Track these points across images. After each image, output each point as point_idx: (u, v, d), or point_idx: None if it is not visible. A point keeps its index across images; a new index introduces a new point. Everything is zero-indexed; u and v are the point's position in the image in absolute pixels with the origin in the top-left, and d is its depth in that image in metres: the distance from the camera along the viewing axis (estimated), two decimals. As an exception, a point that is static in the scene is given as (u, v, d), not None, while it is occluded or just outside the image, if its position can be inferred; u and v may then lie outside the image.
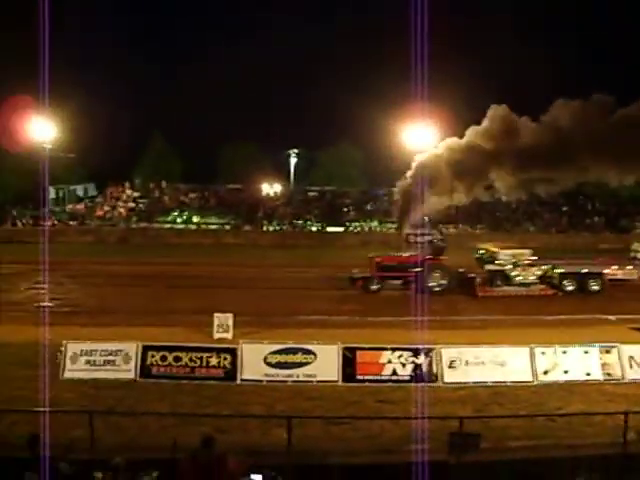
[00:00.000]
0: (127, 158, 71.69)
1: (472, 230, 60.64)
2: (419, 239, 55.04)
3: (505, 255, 34.39)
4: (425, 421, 14.86)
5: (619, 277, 34.73)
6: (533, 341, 19.62)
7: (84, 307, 28.76)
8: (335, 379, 18.29)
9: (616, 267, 34.78)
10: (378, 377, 18.34)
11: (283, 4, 79.02)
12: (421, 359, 18.45)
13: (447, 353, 18.62)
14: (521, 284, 34.02)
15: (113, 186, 70.08)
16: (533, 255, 34.63)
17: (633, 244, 38.16)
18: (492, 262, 34.54)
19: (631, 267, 35.07)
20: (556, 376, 18.60)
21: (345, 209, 64.59)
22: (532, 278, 34.18)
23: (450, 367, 18.45)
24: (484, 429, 13.38)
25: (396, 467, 11.74)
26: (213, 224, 62.93)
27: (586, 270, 34.31)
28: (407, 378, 18.31)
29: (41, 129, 46.37)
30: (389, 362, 18.45)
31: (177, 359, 18.59)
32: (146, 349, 18.78)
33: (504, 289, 33.73)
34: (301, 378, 18.38)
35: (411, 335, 22.20)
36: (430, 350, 18.58)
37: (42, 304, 27.99)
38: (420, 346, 18.74)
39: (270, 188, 69.02)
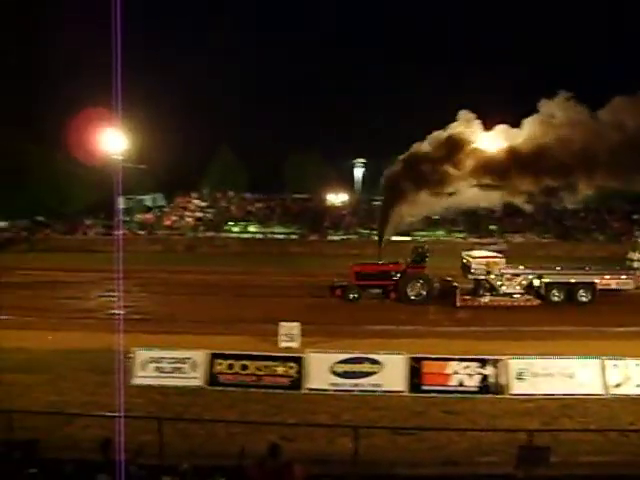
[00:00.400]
0: (195, 169, 72.90)
1: (539, 239, 59.59)
2: (485, 248, 54.59)
3: (478, 264, 33.41)
4: (493, 433, 14.77)
5: (612, 287, 33.36)
6: (601, 353, 19.12)
7: (153, 315, 29.22)
8: (401, 389, 18.22)
9: (609, 277, 33.41)
10: (444, 388, 18.19)
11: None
12: (488, 370, 18.23)
13: (515, 364, 18.31)
14: (506, 294, 32.99)
15: (181, 196, 71.24)
16: (519, 264, 33.72)
17: (629, 252, 35.98)
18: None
19: (625, 276, 33.60)
20: (628, 390, 18.12)
21: (411, 219, 64.30)
22: (518, 288, 33.12)
23: (518, 378, 18.17)
24: (553, 443, 13.03)
25: (463, 479, 11.64)
26: (279, 233, 63.28)
27: (574, 280, 33.15)
28: (474, 389, 18.13)
29: (113, 141, 47.40)
30: (455, 373, 18.29)
31: (244, 367, 18.78)
32: (214, 357, 19.02)
33: (487, 299, 32.71)
34: (367, 388, 18.35)
35: (477, 345, 22.10)
36: (497, 361, 18.34)
37: (113, 312, 28.60)
38: (487, 357, 18.56)
39: (336, 198, 69.18)
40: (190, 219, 66.50)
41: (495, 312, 29.84)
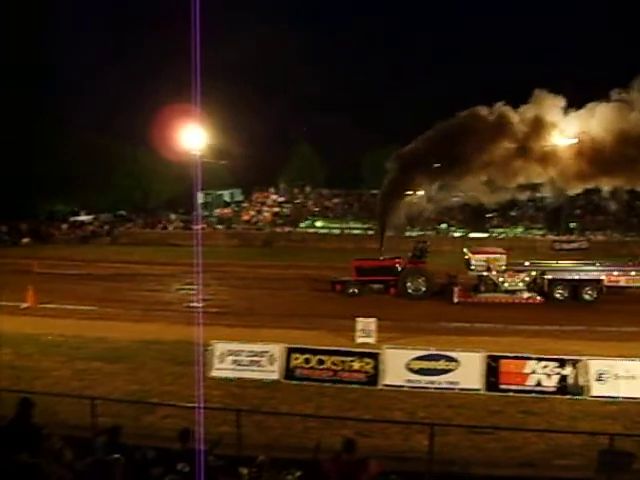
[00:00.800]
0: (273, 164, 73.54)
1: (621, 237, 57.93)
2: (565, 246, 53.43)
3: (477, 261, 32.56)
4: (571, 436, 14.48)
5: (621, 284, 31.87)
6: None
7: (231, 308, 29.64)
8: (478, 387, 18.02)
9: (617, 273, 31.94)
10: (522, 387, 17.90)
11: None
12: (567, 370, 17.86)
13: (595, 365, 17.83)
14: (507, 291, 32.09)
15: (259, 191, 72.04)
16: (518, 260, 33.25)
17: None
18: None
19: (635, 273, 31.99)
20: None
21: (489, 215, 63.35)
22: (520, 285, 32.16)
23: (598, 380, 17.71)
24: (636, 449, 12.67)
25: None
26: (356, 229, 63.25)
27: (579, 277, 31.93)
28: (552, 390, 17.77)
29: (193, 137, 48.21)
30: (533, 372, 17.96)
31: (320, 362, 18.87)
32: (291, 351, 19.17)
33: (489, 295, 31.91)
34: (443, 385, 18.21)
35: (556, 345, 21.68)
36: (577, 361, 17.96)
37: (192, 304, 29.12)
38: (566, 357, 18.21)
39: (413, 193, 68.68)
40: (268, 214, 67.13)
41: (572, 311, 29.11)
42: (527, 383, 17.91)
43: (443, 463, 12.97)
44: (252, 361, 19.26)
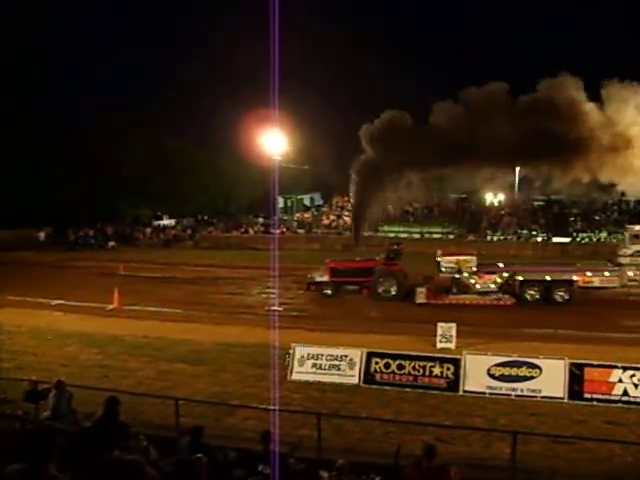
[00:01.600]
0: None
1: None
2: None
3: (447, 262, 32.09)
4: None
5: (595, 285, 30.91)
6: None
7: (311, 312, 29.78)
8: (561, 396, 17.65)
9: (590, 274, 30.94)
10: (607, 397, 17.46)
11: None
12: (656, 380, 17.36)
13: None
14: (479, 292, 31.35)
15: (338, 196, 72.18)
16: (489, 262, 32.78)
17: (621, 249, 32.76)
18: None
19: (608, 273, 31.03)
20: None
21: (572, 219, 62.03)
22: (492, 286, 31.38)
23: (688, 391, 17.19)
24: None
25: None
26: (437, 233, 62.80)
27: (550, 277, 30.94)
28: (640, 400, 17.32)
29: (275, 142, 48.73)
30: (620, 381, 17.51)
31: (400, 367, 18.81)
32: (370, 356, 19.18)
33: (460, 297, 31.24)
34: (525, 393, 17.92)
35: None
36: (666, 371, 17.43)
37: (272, 308, 29.39)
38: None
39: (494, 197, 67.83)
40: (347, 218, 67.22)
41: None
42: (613, 392, 17.46)
43: (525, 472, 12.77)
44: (332, 365, 19.33)
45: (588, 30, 73.68)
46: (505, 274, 31.99)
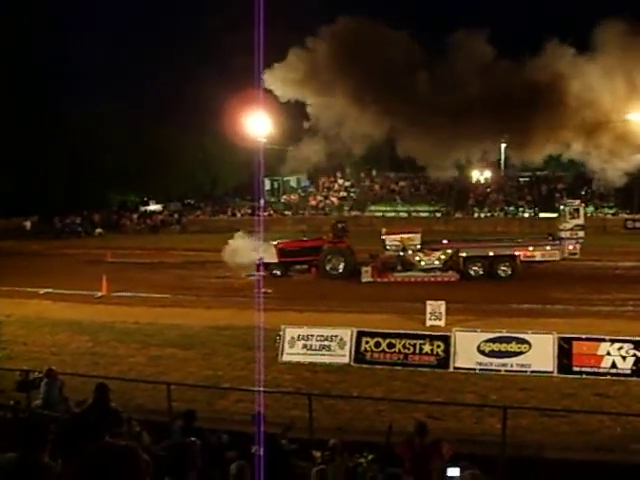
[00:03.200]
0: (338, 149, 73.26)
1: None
2: (638, 224, 52.24)
3: (391, 240, 32.56)
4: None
5: (537, 259, 31.76)
6: None
7: (301, 293, 29.78)
8: (550, 370, 17.75)
9: (532, 248, 31.71)
10: (596, 369, 17.58)
11: None
12: (644, 352, 17.49)
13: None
14: (424, 270, 31.91)
15: (325, 176, 72.06)
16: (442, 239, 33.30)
17: (562, 223, 33.06)
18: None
19: (550, 247, 31.87)
20: None
21: (558, 194, 62.25)
22: (437, 263, 31.97)
23: (676, 362, 17.33)
24: None
25: (618, 467, 11.25)
26: (424, 211, 62.89)
27: (492, 253, 31.51)
28: (628, 372, 17.39)
29: (259, 123, 48.49)
30: (608, 354, 17.62)
31: (391, 345, 18.86)
32: (360, 335, 19.22)
33: (405, 274, 31.83)
34: (515, 368, 18.01)
35: (630, 326, 21.18)
36: (653, 342, 17.55)
37: (262, 290, 29.37)
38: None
39: (480, 175, 67.95)
40: (335, 199, 67.24)
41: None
42: (601, 365, 17.58)
43: (516, 446, 12.89)
44: (322, 345, 19.37)
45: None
46: (449, 251, 32.55)
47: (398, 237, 32.92)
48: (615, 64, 31.98)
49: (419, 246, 32.63)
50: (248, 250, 33.63)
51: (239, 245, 34.30)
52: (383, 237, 33.43)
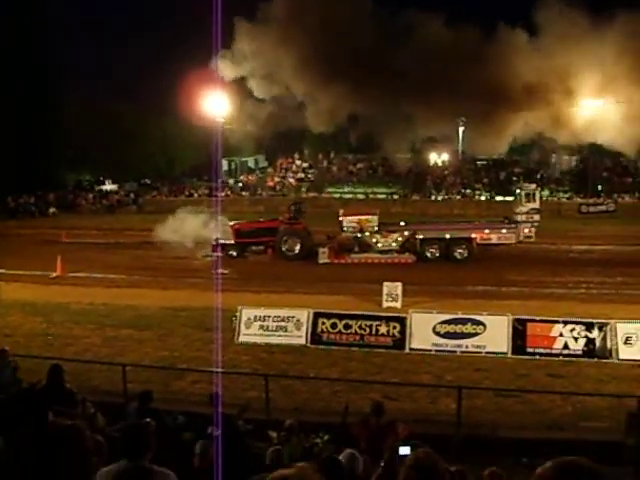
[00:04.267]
0: (295, 130, 73.12)
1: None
2: (592, 209, 53.14)
3: (349, 222, 32.90)
4: (599, 398, 14.49)
5: (493, 242, 32.43)
6: None
7: (257, 274, 29.74)
8: (504, 351, 18.00)
9: (488, 231, 32.35)
10: (549, 350, 17.87)
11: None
12: (594, 333, 17.78)
13: (623, 328, 17.73)
14: (381, 251, 32.36)
15: (283, 157, 71.86)
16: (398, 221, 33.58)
17: (517, 207, 33.76)
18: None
19: (506, 230, 32.55)
20: None
21: (515, 178, 62.90)
22: (394, 245, 32.44)
23: (626, 343, 17.64)
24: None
25: (568, 444, 11.47)
26: (381, 193, 63.08)
27: (449, 235, 32.12)
28: (579, 353, 17.72)
29: (217, 103, 48.05)
30: (561, 335, 17.92)
31: (347, 327, 18.93)
32: (317, 316, 19.26)
33: (362, 256, 32.26)
34: (470, 349, 18.23)
35: (583, 308, 21.55)
36: (604, 324, 17.86)
37: (218, 271, 29.25)
38: (594, 320, 18.13)
39: (438, 157, 68.31)
40: (292, 180, 67.12)
41: (595, 272, 28.85)
42: (554, 346, 17.87)
43: (470, 426, 13.08)
44: (279, 326, 19.38)
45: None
46: (406, 233, 32.74)
47: (356, 218, 33.02)
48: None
49: (376, 228, 32.77)
50: (193, 227, 33.58)
51: (183, 222, 34.14)
52: (341, 218, 33.51)
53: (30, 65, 58.60)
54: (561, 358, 17.64)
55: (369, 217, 33.12)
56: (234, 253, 33.75)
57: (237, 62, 35.68)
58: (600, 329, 17.76)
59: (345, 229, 33.12)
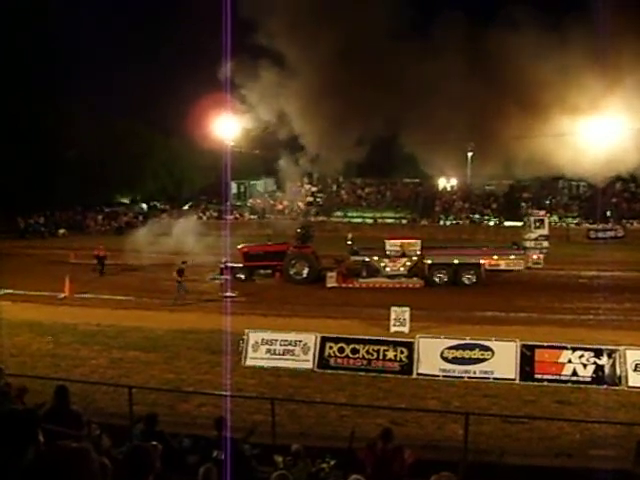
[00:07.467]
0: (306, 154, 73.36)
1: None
2: (600, 234, 52.93)
3: (392, 245, 33.06)
4: (607, 426, 14.35)
5: (502, 267, 32.41)
6: None
7: (265, 298, 29.70)
8: (512, 377, 17.93)
9: (497, 257, 32.31)
10: (557, 377, 17.78)
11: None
12: (603, 360, 17.69)
13: (632, 355, 17.63)
14: (389, 276, 32.35)
15: (292, 181, 71.90)
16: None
17: (526, 233, 33.83)
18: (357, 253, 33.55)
19: (514, 256, 32.52)
20: None
21: (523, 203, 62.75)
22: (402, 269, 32.42)
23: (635, 370, 17.53)
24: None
25: (576, 472, 11.37)
26: (389, 218, 63.02)
27: (457, 260, 32.10)
28: (588, 379, 17.63)
29: (227, 126, 48.28)
30: (569, 362, 17.84)
31: (354, 351, 18.90)
32: (324, 340, 19.24)
33: (370, 280, 32.27)
34: (477, 375, 18.16)
35: (591, 334, 21.43)
36: (613, 351, 17.77)
37: (226, 294, 29.26)
38: (602, 347, 18.03)
39: (447, 182, 68.27)
40: (301, 204, 67.14)
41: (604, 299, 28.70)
42: (563, 373, 17.80)
43: (478, 452, 12.96)
44: (286, 350, 19.34)
45: None
46: (414, 257, 32.71)
47: (399, 242, 33.21)
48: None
49: (418, 252, 32.84)
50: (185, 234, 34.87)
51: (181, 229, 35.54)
52: (385, 241, 33.63)
53: (44, 83, 59.01)
54: (569, 385, 17.53)
55: (411, 241, 33.30)
56: (242, 276, 33.71)
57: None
58: (609, 356, 17.67)
59: (388, 252, 33.03)
